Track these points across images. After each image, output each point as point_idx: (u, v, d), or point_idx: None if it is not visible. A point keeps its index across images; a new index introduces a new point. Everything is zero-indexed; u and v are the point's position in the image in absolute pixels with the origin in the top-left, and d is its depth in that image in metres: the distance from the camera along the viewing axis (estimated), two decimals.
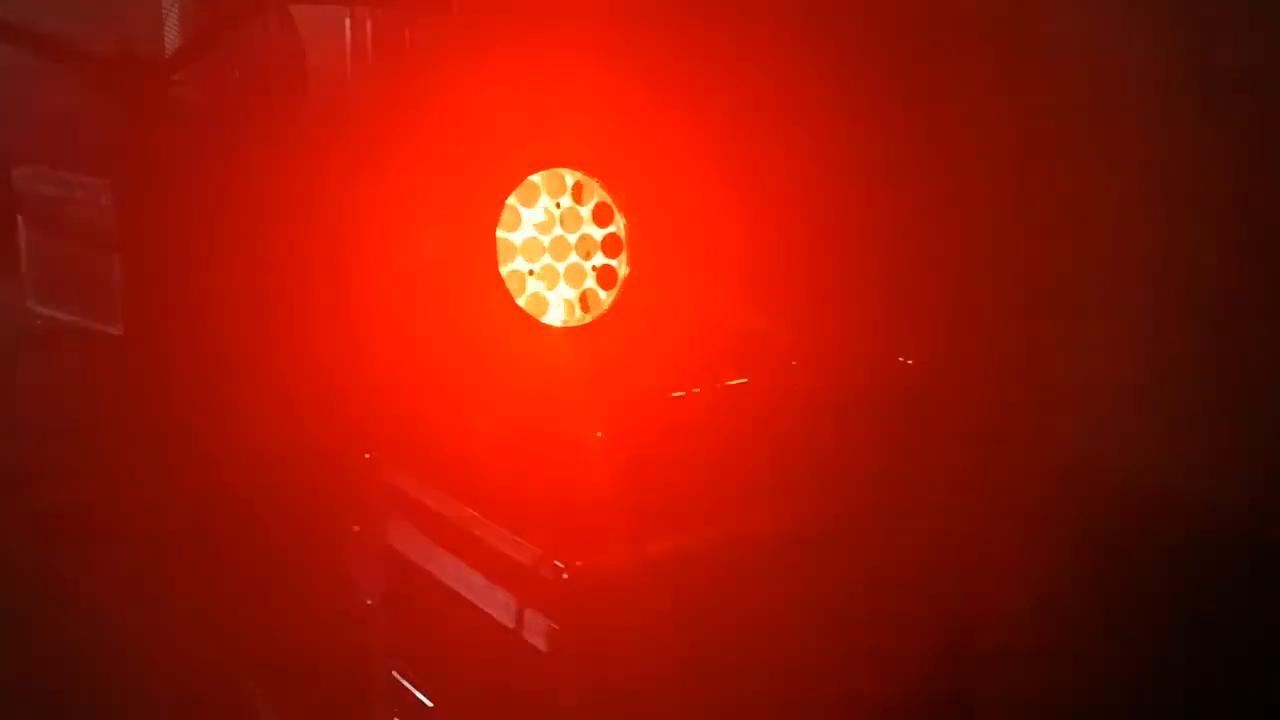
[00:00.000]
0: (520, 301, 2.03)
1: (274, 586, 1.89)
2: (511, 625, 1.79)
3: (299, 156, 1.90)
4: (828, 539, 2.09)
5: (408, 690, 2.03)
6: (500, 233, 2.02)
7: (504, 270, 2.02)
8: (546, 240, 2.07)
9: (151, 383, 1.92)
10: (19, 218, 3.79)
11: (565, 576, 1.70)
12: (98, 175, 3.31)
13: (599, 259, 2.15)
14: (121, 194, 2.59)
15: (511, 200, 2.02)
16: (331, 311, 1.92)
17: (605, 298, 2.16)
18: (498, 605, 1.86)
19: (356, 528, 1.98)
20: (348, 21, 2.06)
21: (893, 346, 2.52)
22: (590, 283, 2.14)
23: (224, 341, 1.91)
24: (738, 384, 2.23)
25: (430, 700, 1.98)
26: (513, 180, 2.01)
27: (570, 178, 2.11)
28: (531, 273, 2.05)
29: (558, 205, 2.08)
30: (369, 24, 1.94)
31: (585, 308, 2.13)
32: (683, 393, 2.16)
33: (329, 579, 1.95)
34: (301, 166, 1.89)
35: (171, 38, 2.81)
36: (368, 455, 2.10)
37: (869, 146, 2.51)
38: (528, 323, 2.04)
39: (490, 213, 1.98)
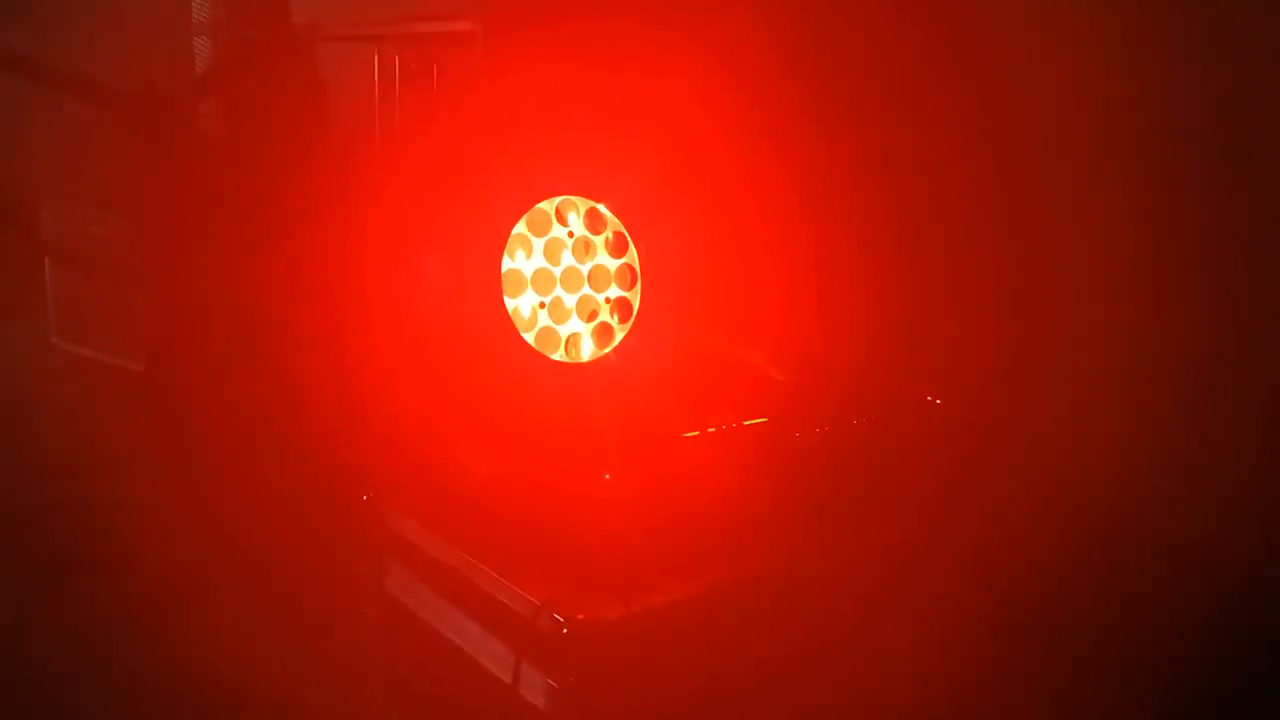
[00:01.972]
0: (528, 337, 1.93)
1: (265, 631, 1.78)
2: (508, 680, 1.68)
3: (306, 186, 1.83)
4: (845, 588, 1.97)
5: None
6: (509, 262, 1.92)
7: (513, 303, 1.92)
8: (558, 271, 1.97)
9: (149, 422, 1.84)
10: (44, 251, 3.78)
11: (565, 630, 1.59)
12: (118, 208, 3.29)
13: (613, 290, 2.05)
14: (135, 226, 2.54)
15: (521, 228, 1.93)
16: (330, 345, 1.83)
17: (619, 331, 2.05)
18: (494, 657, 1.75)
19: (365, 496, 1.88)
20: (375, 58, 1.99)
21: (922, 384, 2.42)
22: (605, 316, 2.03)
23: (217, 374, 1.82)
24: (756, 424, 2.12)
25: None
26: (521, 208, 1.92)
27: (583, 206, 2.01)
28: (542, 305, 1.95)
29: (570, 235, 1.99)
30: (394, 58, 1.86)
31: (598, 342, 2.03)
32: (697, 433, 2.06)
33: (323, 622, 1.85)
34: (307, 195, 1.81)
35: (193, 72, 2.77)
36: (365, 497, 2.00)
37: (898, 176, 2.40)
38: (536, 359, 1.93)
39: (496, 241, 1.88)
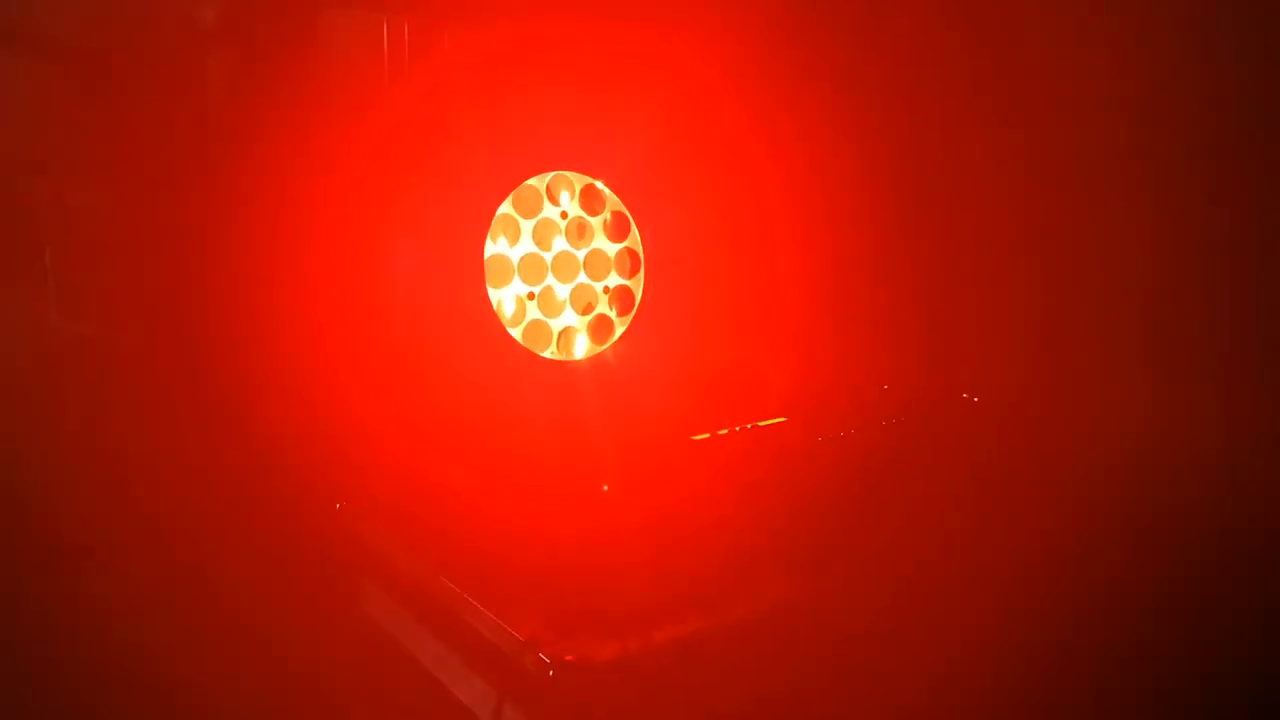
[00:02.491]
0: (515, 332, 1.70)
1: (234, 649, 1.58)
2: (494, 708, 1.47)
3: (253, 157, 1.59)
4: (868, 620, 1.75)
5: None
6: (492, 248, 1.68)
7: (497, 293, 1.69)
8: (549, 257, 1.73)
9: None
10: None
11: (551, 673, 1.38)
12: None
13: (613, 279, 1.81)
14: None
15: (507, 208, 1.69)
16: (287, 342, 1.60)
17: (619, 324, 1.81)
18: (475, 695, 1.54)
19: (339, 505, 1.68)
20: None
21: (956, 381, 2.21)
22: (603, 307, 1.80)
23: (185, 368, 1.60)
24: (774, 424, 1.91)
25: None
26: (507, 184, 1.68)
27: (579, 183, 1.77)
28: (531, 296, 1.71)
29: (564, 215, 1.74)
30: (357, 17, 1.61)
31: (596, 337, 1.79)
32: (707, 436, 1.84)
33: (288, 645, 1.64)
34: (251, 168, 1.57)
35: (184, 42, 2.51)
36: (338, 505, 1.78)
37: (922, 158, 2.15)
38: (524, 357, 1.70)
39: (477, 223, 1.65)
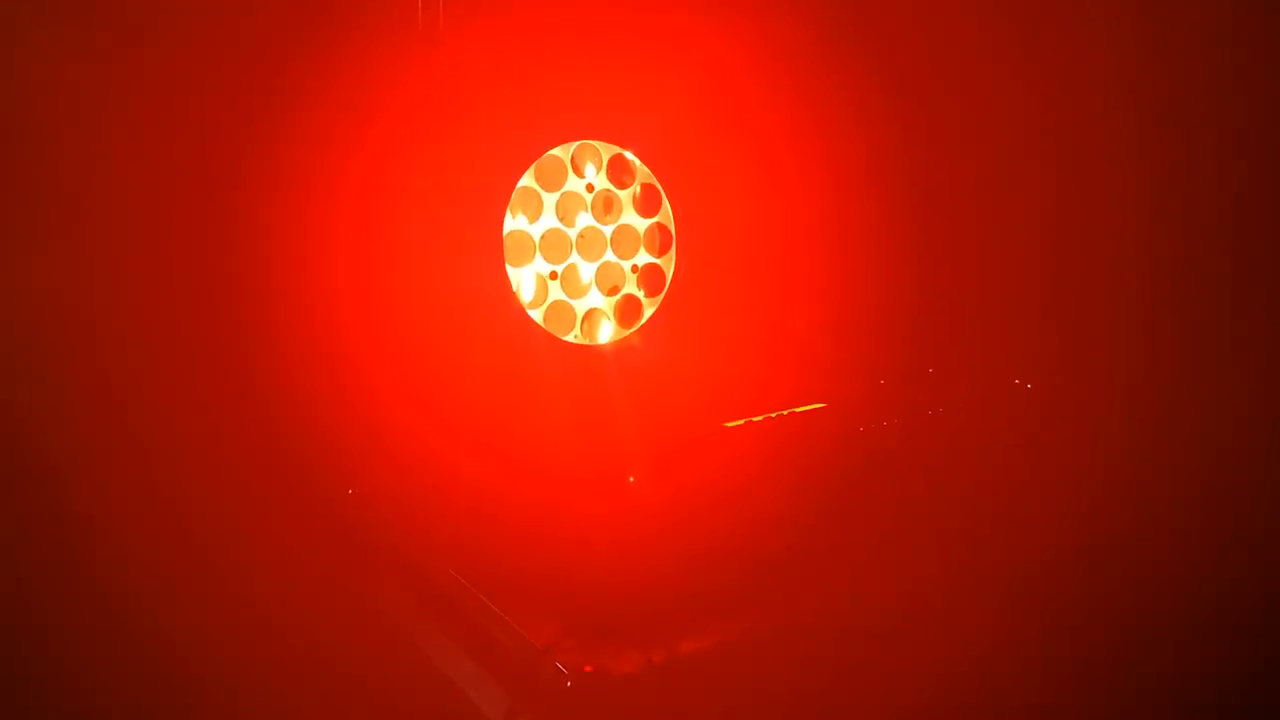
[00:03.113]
0: (536, 315, 1.58)
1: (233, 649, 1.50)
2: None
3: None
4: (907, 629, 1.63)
5: None
6: (513, 222, 1.56)
7: (518, 273, 1.57)
8: (573, 233, 1.61)
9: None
10: None
11: (569, 684, 1.28)
12: None
13: (642, 257, 1.68)
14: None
15: (528, 180, 1.57)
16: (300, 322, 1.50)
17: (649, 306, 1.69)
18: (489, 700, 1.44)
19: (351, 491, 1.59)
20: None
21: (1004, 366, 2.08)
22: (630, 288, 1.67)
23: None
24: (812, 410, 1.82)
25: None
26: (528, 154, 1.56)
27: (606, 153, 1.64)
28: (554, 275, 1.59)
29: (590, 188, 1.62)
30: None
31: (623, 320, 1.67)
32: (742, 423, 1.72)
33: (295, 638, 1.55)
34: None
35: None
36: (350, 491, 1.69)
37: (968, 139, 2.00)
38: (545, 341, 1.58)
39: (495, 197, 1.53)
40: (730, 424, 1.79)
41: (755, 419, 1.81)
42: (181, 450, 1.61)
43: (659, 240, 1.70)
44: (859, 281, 1.89)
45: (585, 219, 1.63)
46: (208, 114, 1.52)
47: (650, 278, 1.70)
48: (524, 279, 1.58)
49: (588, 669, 1.36)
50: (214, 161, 1.52)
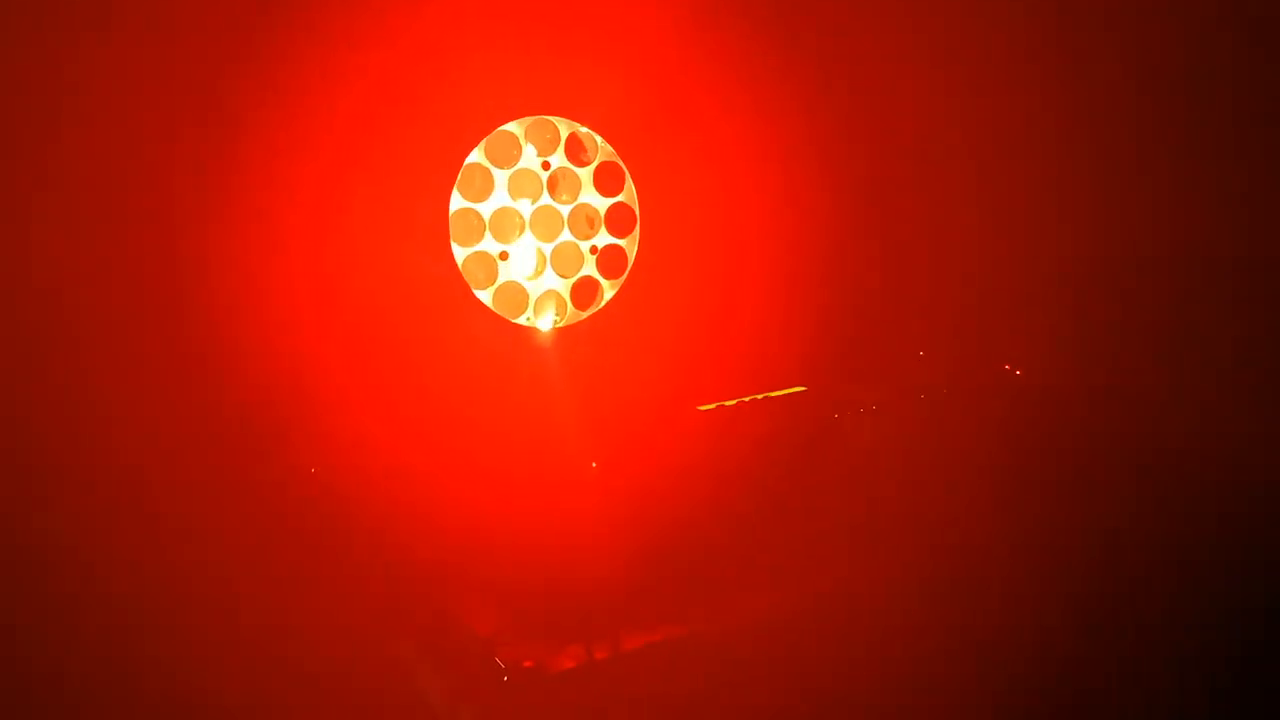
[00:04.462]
0: (485, 296, 1.52)
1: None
2: (444, 712, 1.34)
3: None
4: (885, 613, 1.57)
5: None
6: (460, 200, 1.50)
7: (464, 252, 1.51)
8: (528, 212, 1.55)
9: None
10: None
11: (505, 679, 1.23)
12: None
13: (602, 237, 1.62)
14: None
15: (477, 156, 1.51)
16: (240, 301, 1.45)
17: (609, 288, 1.63)
18: (431, 687, 1.40)
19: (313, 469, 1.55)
20: None
21: (1002, 353, 2.00)
22: (589, 269, 1.61)
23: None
24: (791, 394, 1.75)
25: None
26: (478, 130, 1.49)
27: (564, 128, 1.58)
28: (504, 256, 1.53)
29: (545, 165, 1.55)
30: None
31: (580, 302, 1.61)
32: (713, 406, 1.65)
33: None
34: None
35: None
36: (313, 470, 1.64)
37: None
38: (495, 324, 1.53)
39: (442, 173, 1.47)
40: (702, 408, 1.72)
41: (728, 403, 1.75)
42: (119, 433, 1.56)
43: (622, 220, 1.63)
44: (832, 266, 1.82)
45: (542, 197, 1.56)
46: (146, 93, 1.47)
47: (611, 259, 1.63)
48: (473, 260, 1.52)
49: (527, 664, 1.31)
50: (151, 142, 1.47)
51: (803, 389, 1.82)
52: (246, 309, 1.45)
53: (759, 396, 1.78)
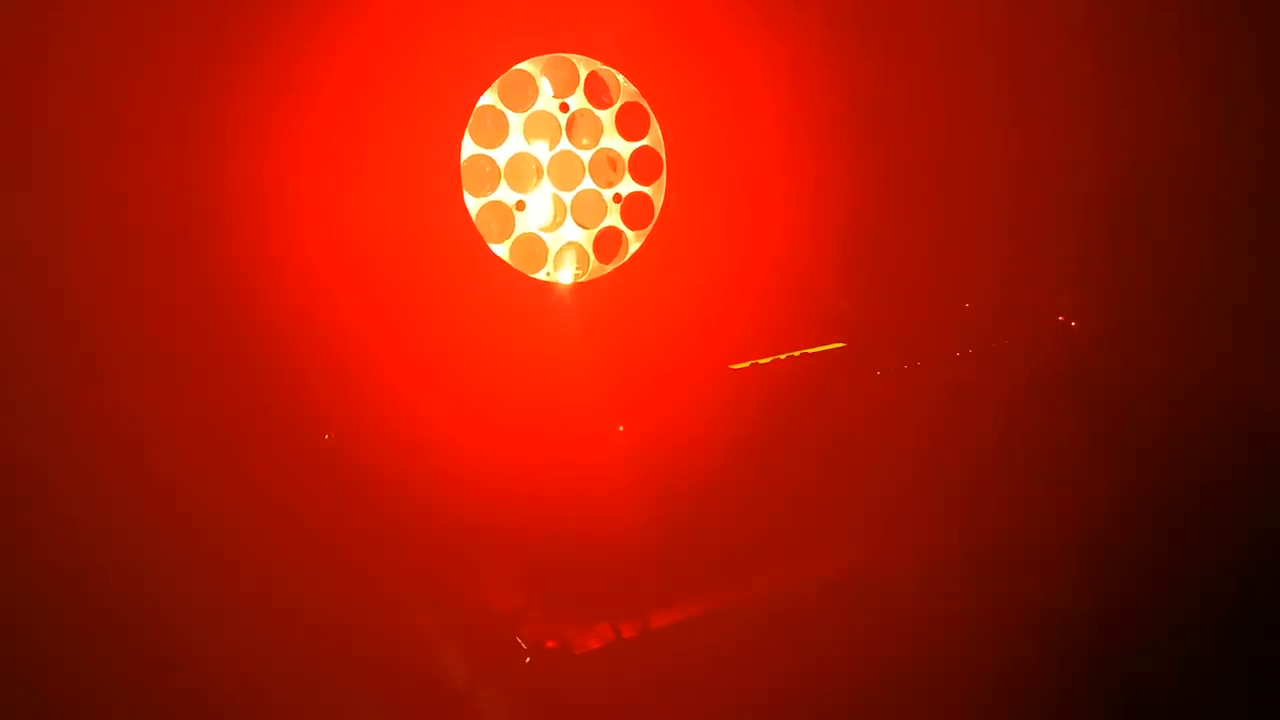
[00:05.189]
0: (500, 250, 1.42)
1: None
2: (463, 693, 1.27)
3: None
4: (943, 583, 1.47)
5: None
6: (472, 146, 1.39)
7: (478, 203, 1.41)
8: (546, 158, 1.44)
9: None
10: None
11: (528, 660, 1.15)
12: None
13: (626, 184, 1.51)
14: None
15: (490, 98, 1.40)
16: (241, 261, 1.36)
17: (634, 239, 1.52)
18: (453, 668, 1.33)
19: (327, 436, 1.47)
20: None
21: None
22: (613, 219, 1.50)
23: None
24: (828, 350, 1.65)
25: None
26: (490, 69, 1.38)
27: (584, 67, 1.46)
28: (520, 206, 1.42)
29: (564, 107, 1.44)
30: None
31: (603, 255, 1.50)
32: (748, 365, 1.53)
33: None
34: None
35: None
36: (327, 436, 1.56)
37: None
38: (512, 280, 1.42)
39: (453, 118, 1.36)
40: (735, 367, 1.62)
41: (763, 361, 1.64)
42: (125, 396, 1.49)
43: (647, 166, 1.52)
44: (873, 213, 1.69)
45: (561, 142, 1.45)
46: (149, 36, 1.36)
47: (635, 208, 1.52)
48: (488, 211, 1.41)
49: (550, 645, 1.23)
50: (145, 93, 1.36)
51: (842, 345, 1.71)
52: (244, 270, 1.36)
53: (795, 354, 1.67)
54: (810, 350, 1.70)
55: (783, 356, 1.67)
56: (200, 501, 1.47)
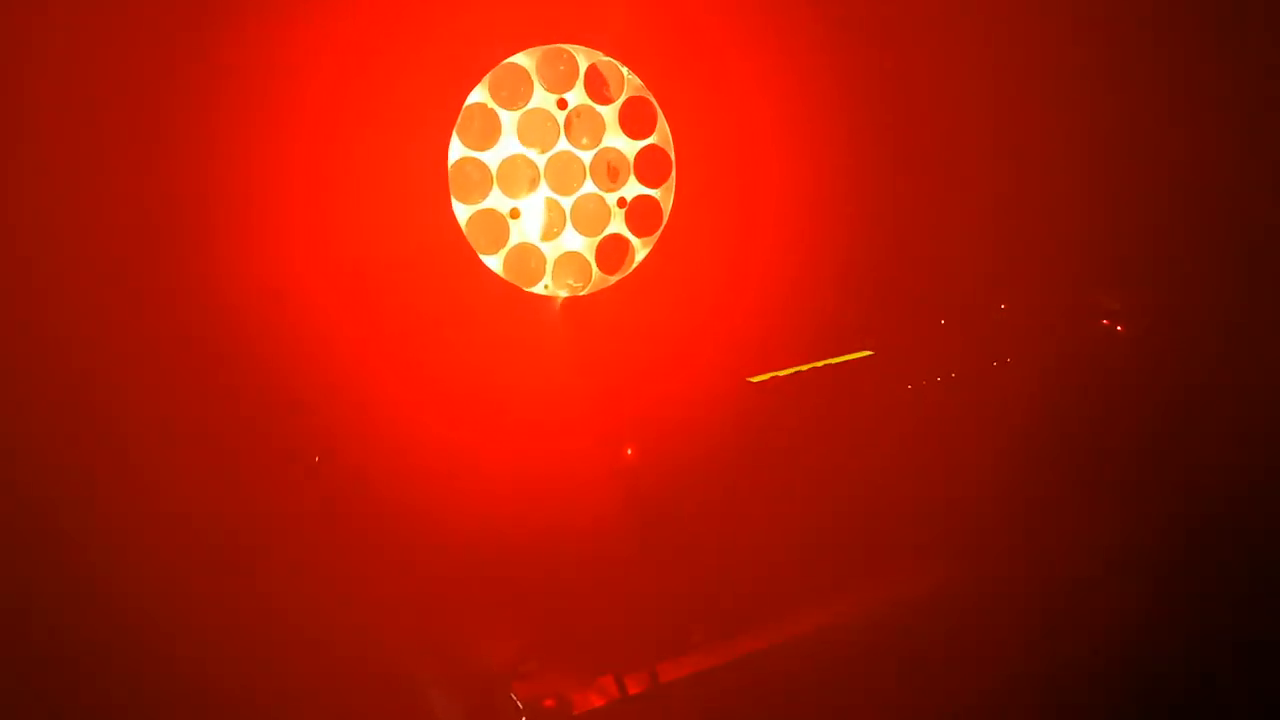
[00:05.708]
0: (493, 262, 1.29)
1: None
2: None
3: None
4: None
5: None
6: (461, 148, 1.27)
7: (468, 211, 1.28)
8: (543, 161, 1.31)
9: None
10: None
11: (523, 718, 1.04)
12: None
13: (631, 188, 1.38)
14: None
15: (480, 95, 1.27)
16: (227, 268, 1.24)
17: (640, 248, 1.39)
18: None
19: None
20: None
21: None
22: (616, 226, 1.37)
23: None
24: (856, 360, 1.55)
25: None
26: (480, 63, 1.25)
27: (584, 59, 1.33)
28: (515, 214, 1.30)
29: (562, 104, 1.31)
30: None
31: (607, 265, 1.37)
32: (767, 377, 1.49)
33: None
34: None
35: None
36: (317, 459, 1.44)
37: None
38: (507, 294, 1.30)
39: (439, 117, 1.23)
40: (754, 379, 1.50)
41: (783, 373, 1.52)
42: (109, 414, 1.38)
43: (655, 167, 1.39)
44: (896, 215, 1.55)
45: (559, 142, 1.32)
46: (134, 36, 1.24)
47: (642, 213, 1.39)
48: (480, 220, 1.29)
49: (547, 704, 1.11)
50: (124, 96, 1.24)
51: (869, 354, 1.59)
52: (220, 289, 1.24)
53: (819, 364, 1.54)
54: (835, 360, 1.58)
55: (804, 368, 1.55)
56: (179, 519, 1.36)
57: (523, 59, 1.30)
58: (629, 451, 1.40)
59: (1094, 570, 1.44)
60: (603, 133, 1.36)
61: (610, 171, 1.36)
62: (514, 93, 1.30)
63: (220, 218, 1.22)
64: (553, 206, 1.34)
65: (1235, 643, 1.38)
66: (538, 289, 1.33)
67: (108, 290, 1.31)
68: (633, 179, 1.39)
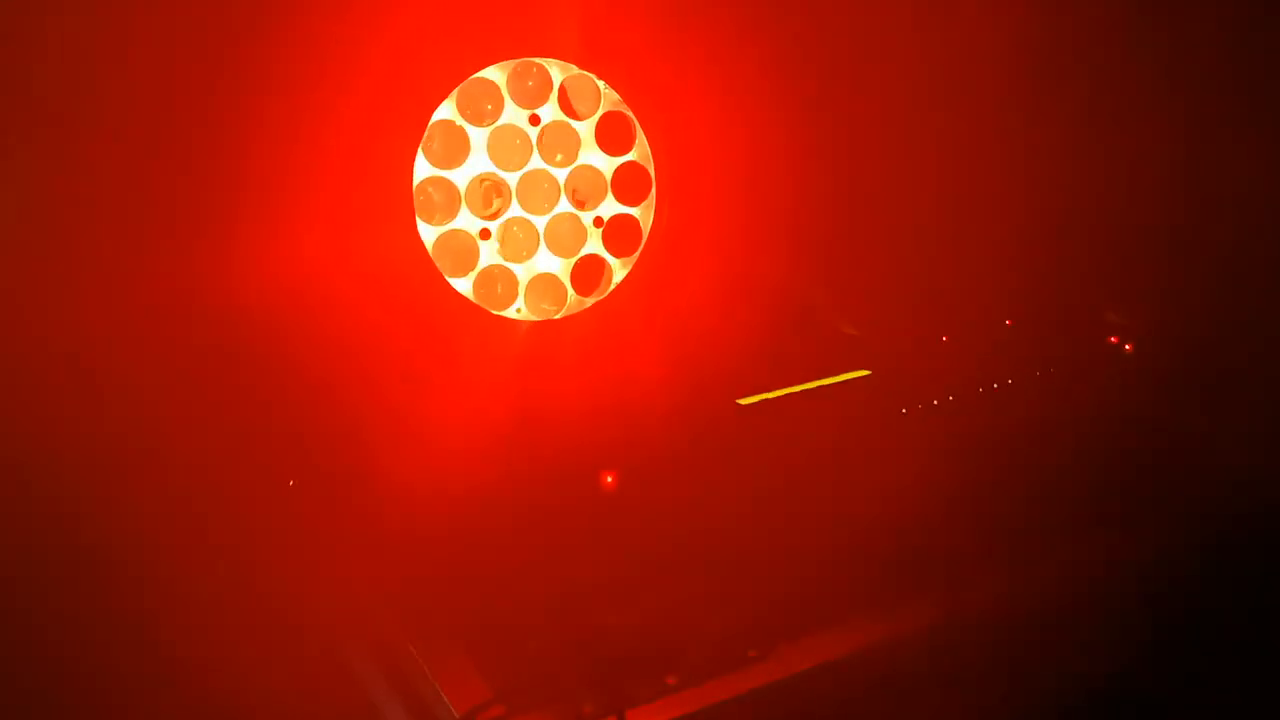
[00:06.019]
0: (462, 285, 1.23)
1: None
2: None
3: None
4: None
5: None
6: (427, 167, 1.21)
7: (434, 232, 1.22)
8: (514, 178, 1.25)
9: None
10: None
11: None
12: None
13: (608, 206, 1.32)
14: None
15: (447, 111, 1.21)
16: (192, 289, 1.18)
17: (618, 269, 1.33)
18: None
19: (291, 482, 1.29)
20: None
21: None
22: (593, 246, 1.31)
23: None
24: (851, 379, 1.49)
25: None
26: (448, 78, 1.20)
27: (556, 73, 1.27)
28: (485, 234, 1.24)
29: (534, 120, 1.25)
30: None
31: (583, 287, 1.31)
32: (756, 399, 1.41)
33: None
34: None
35: None
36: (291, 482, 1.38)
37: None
38: (478, 319, 1.24)
39: (404, 134, 1.18)
40: (742, 401, 1.44)
41: (772, 395, 1.46)
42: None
43: (633, 185, 1.33)
44: (887, 229, 1.50)
45: (532, 159, 1.27)
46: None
47: (620, 233, 1.33)
48: (448, 240, 1.23)
49: None
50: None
51: (866, 373, 1.52)
52: (176, 310, 1.18)
53: (810, 385, 1.48)
54: (828, 381, 1.51)
55: (796, 389, 1.49)
56: (154, 539, 1.29)
57: (491, 73, 1.25)
58: (609, 479, 1.34)
59: (1094, 597, 1.38)
60: (578, 149, 1.31)
61: (576, 202, 1.30)
62: (481, 107, 1.24)
63: (179, 236, 1.17)
64: (525, 227, 1.28)
65: (1242, 670, 1.34)
66: (509, 312, 1.28)
67: (56, 307, 1.26)
68: (610, 197, 1.34)
